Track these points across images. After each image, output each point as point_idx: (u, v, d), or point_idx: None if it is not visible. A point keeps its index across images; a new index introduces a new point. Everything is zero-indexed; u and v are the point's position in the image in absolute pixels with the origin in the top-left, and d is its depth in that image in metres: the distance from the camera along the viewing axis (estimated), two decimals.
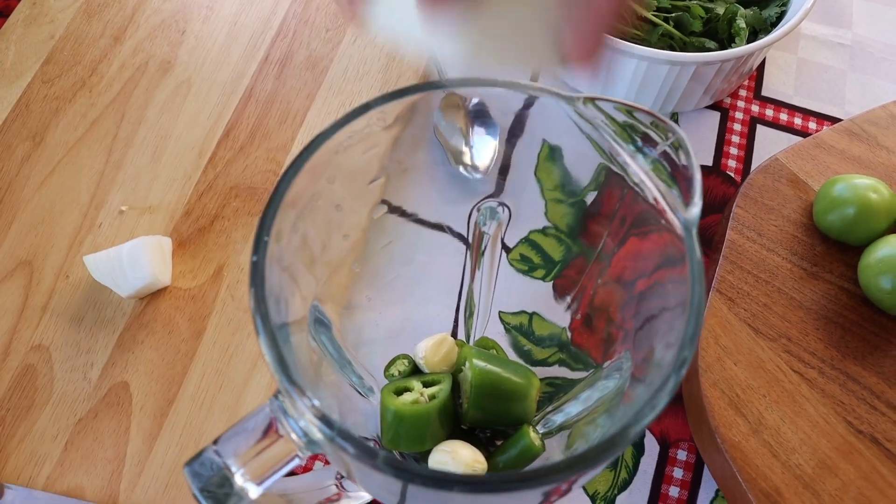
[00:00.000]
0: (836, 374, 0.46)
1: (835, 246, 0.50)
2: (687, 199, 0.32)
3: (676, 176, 0.33)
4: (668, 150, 0.34)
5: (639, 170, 0.33)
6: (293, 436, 0.30)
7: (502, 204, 0.42)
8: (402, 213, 0.43)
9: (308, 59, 0.60)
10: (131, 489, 0.46)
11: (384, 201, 0.42)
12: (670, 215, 0.32)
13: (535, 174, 0.41)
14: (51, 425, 0.48)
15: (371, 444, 0.43)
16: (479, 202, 0.42)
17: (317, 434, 0.28)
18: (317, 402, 0.27)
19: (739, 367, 0.46)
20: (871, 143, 0.52)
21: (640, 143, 0.33)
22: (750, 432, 0.44)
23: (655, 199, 0.33)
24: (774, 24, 0.58)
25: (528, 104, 0.35)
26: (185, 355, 0.50)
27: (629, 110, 0.34)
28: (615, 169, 0.35)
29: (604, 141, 0.34)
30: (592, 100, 0.34)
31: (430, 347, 0.42)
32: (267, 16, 0.62)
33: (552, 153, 0.40)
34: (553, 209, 0.43)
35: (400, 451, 0.42)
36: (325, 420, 0.27)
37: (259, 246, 0.30)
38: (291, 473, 0.48)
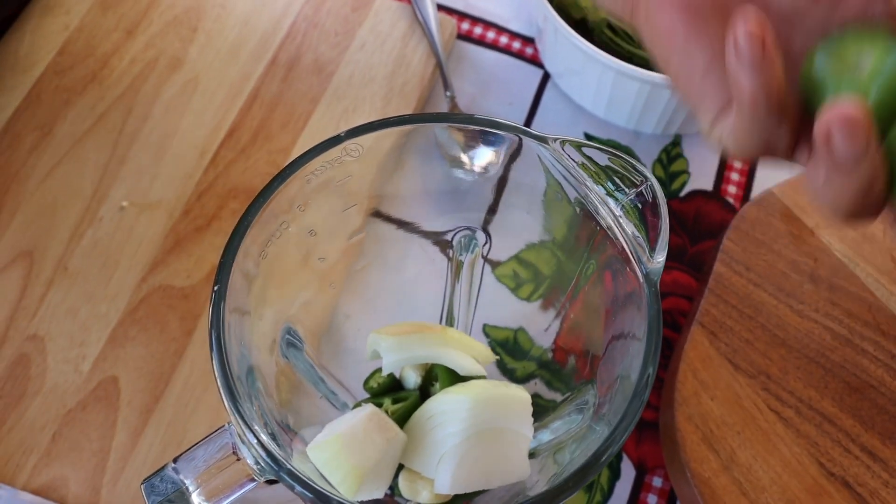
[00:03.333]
0: (813, 415, 0.46)
1: (823, 284, 0.49)
2: (653, 248, 0.32)
3: (647, 223, 0.33)
4: (644, 192, 0.34)
5: (607, 215, 0.33)
6: (248, 461, 0.31)
7: (484, 230, 0.43)
8: (395, 221, 0.43)
9: (315, 63, 0.61)
10: (114, 483, 0.48)
11: (374, 213, 0.43)
12: (634, 264, 0.32)
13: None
14: (40, 415, 0.49)
15: None
16: (458, 230, 0.42)
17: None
18: (265, 437, 0.28)
19: (716, 402, 0.46)
20: None
21: (612, 186, 0.34)
22: (721, 469, 0.44)
23: (622, 246, 0.33)
24: None
25: (490, 141, 0.35)
26: (175, 353, 0.51)
27: (610, 155, 0.35)
28: (588, 209, 0.35)
29: (576, 184, 0.34)
30: (568, 142, 0.34)
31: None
32: (278, 17, 0.63)
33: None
34: (551, 218, 0.43)
35: None
36: (271, 457, 0.28)
37: (222, 274, 0.31)
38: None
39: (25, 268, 0.53)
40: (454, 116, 0.35)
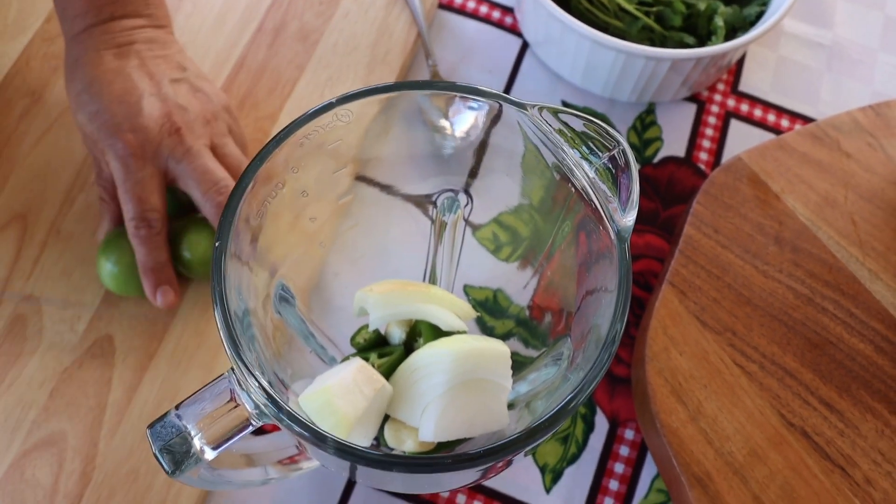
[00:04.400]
0: (776, 369, 0.49)
1: (787, 246, 0.52)
2: (625, 207, 0.35)
3: (619, 185, 0.35)
4: (616, 156, 0.36)
5: (582, 178, 0.35)
6: (247, 406, 0.33)
7: (466, 192, 0.45)
8: (381, 184, 0.45)
9: (300, 31, 0.62)
10: (110, 436, 0.50)
11: (361, 176, 0.45)
12: (607, 222, 0.34)
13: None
14: (38, 373, 0.51)
15: None
16: (441, 192, 0.44)
17: (266, 409, 0.31)
18: (265, 382, 0.30)
19: (684, 357, 0.49)
20: (832, 147, 0.54)
21: (587, 150, 0.36)
22: (688, 419, 0.47)
23: (596, 207, 0.35)
24: (754, 23, 0.59)
25: (472, 107, 0.37)
26: (168, 313, 0.53)
27: (585, 121, 0.37)
28: (564, 171, 0.37)
29: (553, 148, 0.36)
30: (545, 108, 0.36)
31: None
32: None
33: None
34: (529, 181, 0.45)
35: None
36: (271, 399, 0.30)
37: (223, 231, 0.32)
38: (260, 431, 0.51)
39: (19, 230, 0.55)
40: (439, 84, 0.36)
